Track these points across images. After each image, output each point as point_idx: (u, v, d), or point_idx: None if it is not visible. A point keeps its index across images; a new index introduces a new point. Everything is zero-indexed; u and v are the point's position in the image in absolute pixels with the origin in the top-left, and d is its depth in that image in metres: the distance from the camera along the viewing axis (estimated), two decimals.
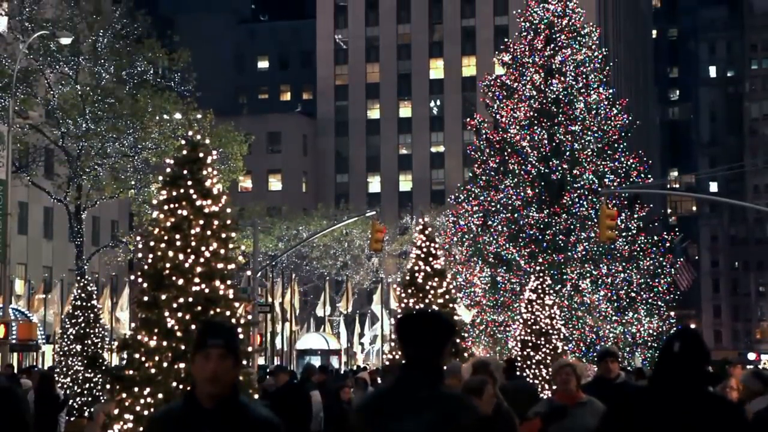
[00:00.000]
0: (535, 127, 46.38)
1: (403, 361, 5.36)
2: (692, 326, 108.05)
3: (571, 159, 46.29)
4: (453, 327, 5.44)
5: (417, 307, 18.07)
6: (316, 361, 49.76)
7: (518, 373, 23.21)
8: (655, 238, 48.03)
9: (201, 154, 11.07)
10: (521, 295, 34.24)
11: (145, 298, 10.80)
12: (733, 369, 14.12)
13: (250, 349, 11.40)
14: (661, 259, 47.62)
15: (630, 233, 46.63)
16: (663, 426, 5.16)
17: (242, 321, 11.05)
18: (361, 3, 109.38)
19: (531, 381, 22.59)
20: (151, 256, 10.86)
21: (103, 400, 19.46)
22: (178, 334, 10.46)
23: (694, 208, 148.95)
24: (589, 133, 46.51)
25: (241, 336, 10.93)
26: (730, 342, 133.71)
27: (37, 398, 19.62)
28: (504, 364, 12.96)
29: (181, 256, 10.70)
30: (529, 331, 25.50)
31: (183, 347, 10.34)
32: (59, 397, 21.23)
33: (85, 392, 25.38)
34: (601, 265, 45.90)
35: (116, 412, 10.63)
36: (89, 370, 25.22)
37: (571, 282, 45.42)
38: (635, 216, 47.19)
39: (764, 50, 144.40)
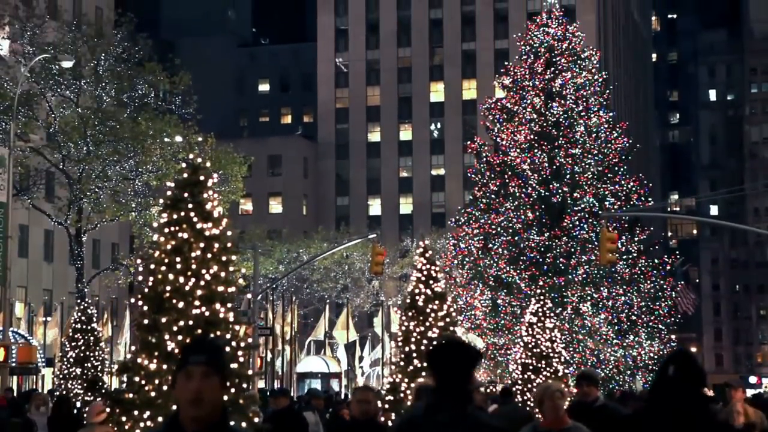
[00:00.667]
0: (536, 150, 46.42)
1: (435, 387, 5.75)
2: (693, 349, 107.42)
3: (571, 182, 46.32)
4: (479, 354, 5.85)
5: (417, 330, 18.08)
6: (317, 384, 49.67)
7: (518, 396, 23.20)
8: (656, 261, 47.98)
9: (201, 177, 11.08)
10: (522, 318, 34.17)
11: (146, 321, 10.79)
12: (734, 392, 13.87)
13: (250, 372, 11.38)
14: (661, 282, 47.55)
15: (630, 256, 46.59)
16: None
17: (242, 344, 11.04)
18: (362, 26, 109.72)
19: (531, 405, 22.52)
20: (151, 278, 10.85)
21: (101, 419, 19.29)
22: (178, 357, 10.43)
23: (695, 231, 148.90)
24: (590, 156, 46.55)
25: (241, 359, 10.92)
26: (731, 365, 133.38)
27: (51, 422, 19.47)
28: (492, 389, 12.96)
29: (181, 279, 10.69)
30: (529, 354, 25.46)
31: None
32: (77, 421, 21.06)
33: (85, 416, 25.28)
34: (601, 288, 45.85)
35: None
36: (89, 394, 25.15)
37: (571, 305, 45.36)
38: (636, 239, 47.17)
39: (764, 74, 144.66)
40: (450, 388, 5.58)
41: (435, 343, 6.06)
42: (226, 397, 4.75)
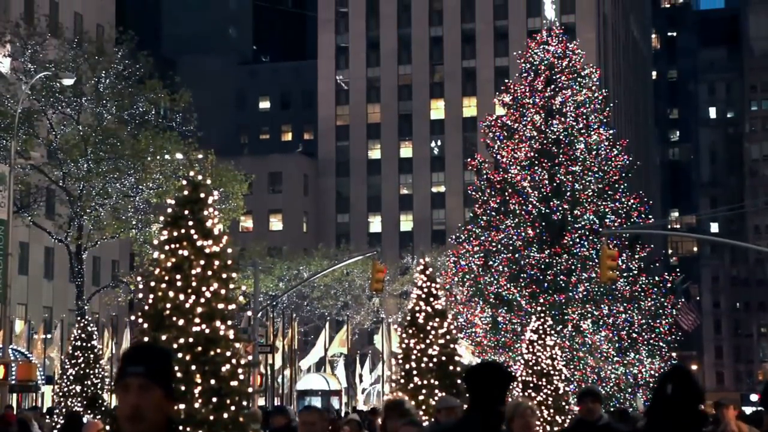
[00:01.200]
0: (536, 168, 46.42)
1: (469, 405, 6.28)
2: (694, 367, 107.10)
3: (571, 199, 46.30)
4: (511, 376, 6.34)
5: (418, 347, 18.07)
6: (317, 402, 49.55)
7: None
8: (656, 278, 47.89)
9: (202, 195, 11.08)
10: (522, 336, 34.12)
11: (146, 339, 10.77)
12: (726, 410, 13.71)
13: (250, 389, 11.37)
14: (662, 299, 47.48)
15: (631, 274, 46.52)
16: None
17: (242, 361, 11.02)
18: (363, 44, 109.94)
19: None
20: (151, 296, 10.85)
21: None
22: (178, 374, 10.41)
23: (695, 249, 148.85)
24: (590, 173, 46.55)
25: (241, 376, 10.90)
26: (732, 383, 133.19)
27: None
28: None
29: (181, 297, 10.68)
30: (530, 372, 25.39)
31: (183, 388, 10.30)
32: None
33: None
34: (602, 306, 45.77)
35: None
36: (89, 411, 25.08)
37: (572, 322, 45.28)
38: (636, 256, 47.10)
39: (764, 91, 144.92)
40: (483, 407, 6.01)
41: (472, 365, 6.69)
42: (175, 407, 4.42)
